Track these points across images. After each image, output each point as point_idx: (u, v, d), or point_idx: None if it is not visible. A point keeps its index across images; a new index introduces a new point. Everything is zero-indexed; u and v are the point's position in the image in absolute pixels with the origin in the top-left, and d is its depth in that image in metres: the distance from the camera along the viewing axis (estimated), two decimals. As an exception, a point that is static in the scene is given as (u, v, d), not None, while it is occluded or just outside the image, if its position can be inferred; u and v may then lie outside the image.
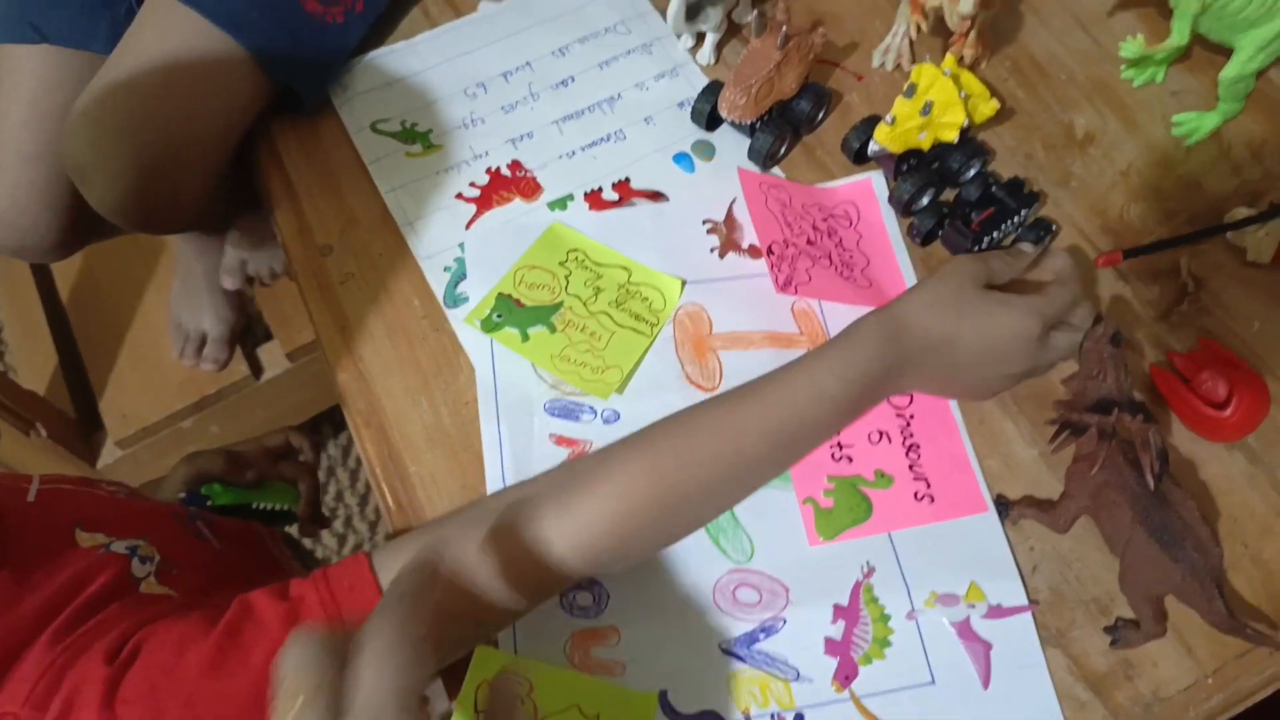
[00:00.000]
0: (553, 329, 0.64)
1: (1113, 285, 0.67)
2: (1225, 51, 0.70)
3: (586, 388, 0.62)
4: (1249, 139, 0.73)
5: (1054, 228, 0.67)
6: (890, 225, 0.69)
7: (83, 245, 0.98)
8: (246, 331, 1.30)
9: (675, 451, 0.51)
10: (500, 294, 0.66)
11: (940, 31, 0.73)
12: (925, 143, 0.67)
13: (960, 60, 0.71)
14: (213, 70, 0.72)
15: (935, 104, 0.64)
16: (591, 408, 0.62)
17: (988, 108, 0.67)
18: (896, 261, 0.68)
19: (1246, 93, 0.69)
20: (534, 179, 0.72)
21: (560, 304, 0.65)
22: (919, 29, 0.70)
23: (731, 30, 0.78)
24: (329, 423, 1.53)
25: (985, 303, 0.54)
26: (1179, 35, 0.67)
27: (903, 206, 0.68)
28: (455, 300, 0.67)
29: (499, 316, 0.65)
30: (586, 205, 0.71)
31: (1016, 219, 0.67)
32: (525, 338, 0.64)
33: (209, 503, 0.72)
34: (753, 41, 0.68)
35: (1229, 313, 0.66)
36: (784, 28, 0.66)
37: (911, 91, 0.65)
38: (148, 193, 0.74)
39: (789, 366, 0.54)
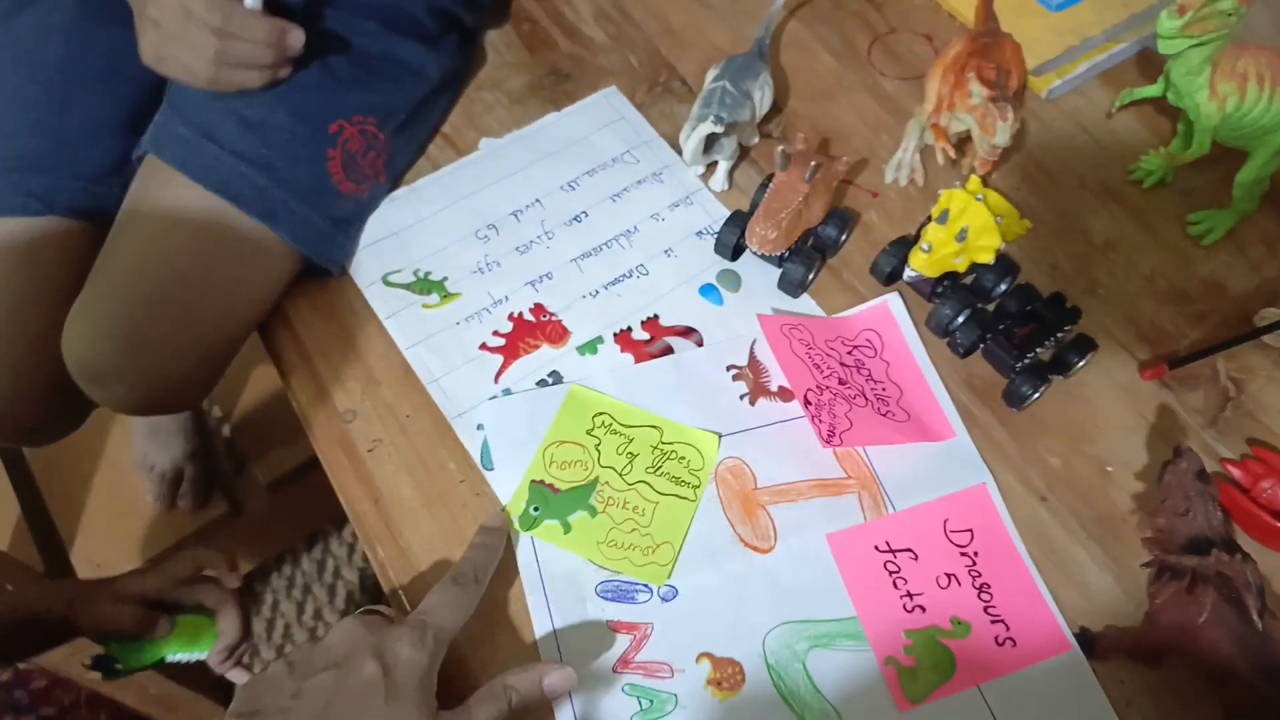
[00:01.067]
0: (593, 512, 0.61)
1: (1158, 394, 0.67)
2: (1231, 149, 0.71)
3: (640, 575, 0.59)
4: (1263, 235, 0.74)
5: (1095, 344, 0.66)
6: (915, 348, 0.68)
7: (73, 429, 0.89)
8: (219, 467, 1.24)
9: None
10: (532, 481, 0.62)
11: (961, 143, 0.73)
12: (962, 266, 0.66)
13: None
14: (248, 264, 0.68)
15: (970, 229, 0.64)
16: (647, 586, 0.59)
17: (1020, 227, 0.67)
18: (929, 386, 0.67)
19: (1261, 193, 0.70)
20: (560, 322, 0.70)
21: (595, 480, 0.62)
22: (946, 155, 0.70)
23: (740, 154, 0.77)
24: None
25: None
26: (1200, 146, 0.68)
27: (943, 329, 0.67)
28: (492, 462, 0.64)
29: (536, 510, 0.61)
30: (618, 347, 0.69)
31: (1059, 335, 0.66)
32: (567, 528, 0.61)
33: (118, 666, 0.67)
34: (779, 175, 0.67)
35: (1271, 415, 0.66)
36: (813, 162, 0.65)
37: (945, 218, 0.64)
38: (170, 396, 0.69)
39: None
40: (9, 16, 0.75)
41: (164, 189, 0.67)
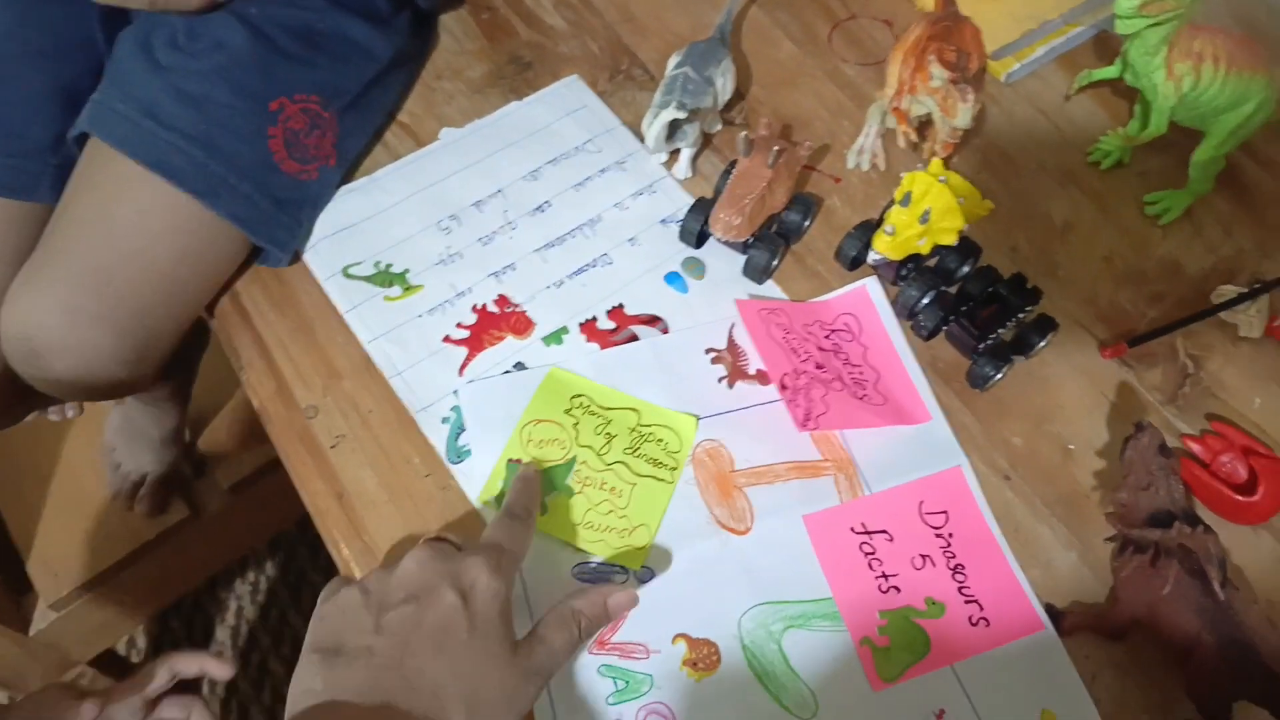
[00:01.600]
0: (570, 492, 0.61)
1: (1118, 373, 0.68)
2: (1187, 130, 0.72)
3: (617, 558, 0.59)
4: (1219, 216, 0.75)
5: (1056, 324, 0.67)
6: (893, 331, 0.68)
7: (19, 419, 0.89)
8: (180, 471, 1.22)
9: None
10: (509, 460, 0.62)
11: (922, 126, 0.74)
12: (925, 248, 0.66)
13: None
14: (191, 242, 0.67)
15: (933, 211, 0.64)
16: (623, 568, 0.59)
17: (981, 208, 0.67)
18: (905, 370, 0.67)
19: (1217, 172, 0.71)
20: (524, 314, 0.69)
21: (573, 459, 0.62)
22: (908, 138, 0.70)
23: (703, 141, 0.77)
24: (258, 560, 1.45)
25: None
26: (1158, 126, 0.68)
27: (908, 311, 0.67)
28: (459, 454, 0.63)
29: None
30: (583, 337, 0.68)
31: (1020, 315, 0.67)
32: (544, 509, 0.60)
33: None
34: (742, 161, 0.67)
35: (1229, 391, 0.67)
36: (776, 147, 0.65)
37: (907, 201, 0.65)
38: (115, 377, 0.68)
39: None
40: None
41: (106, 167, 0.66)
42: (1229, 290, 0.69)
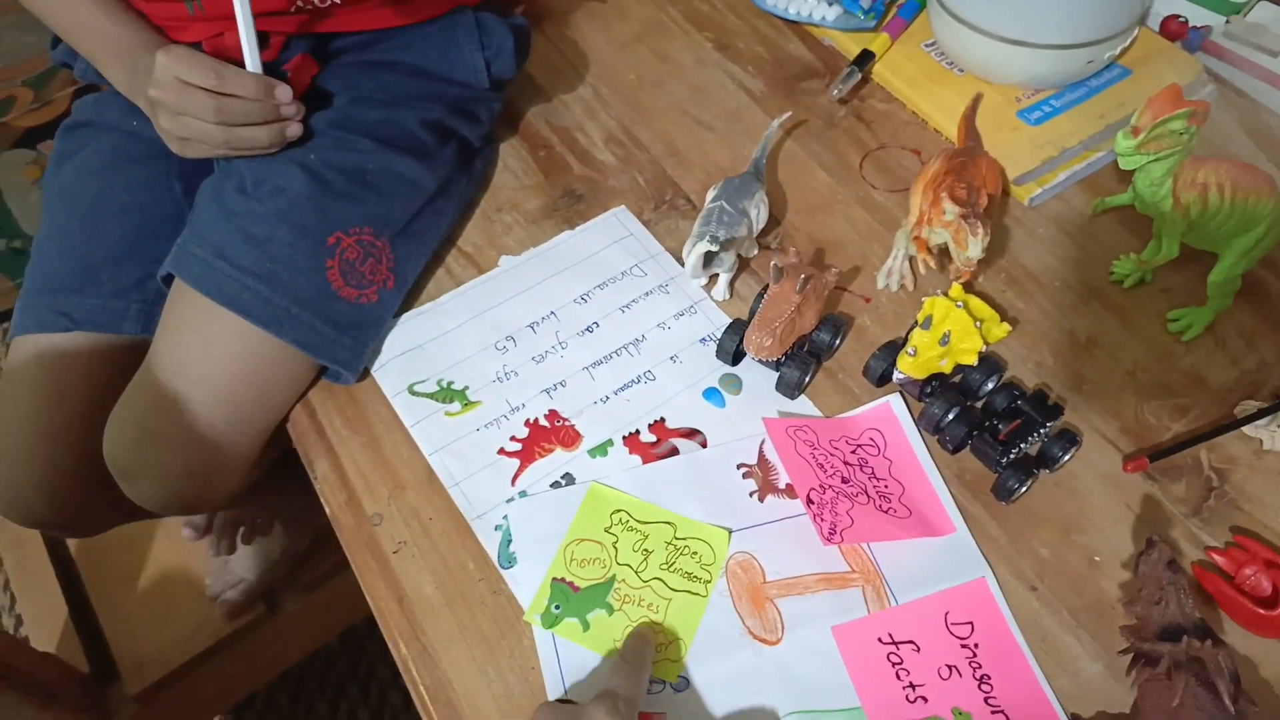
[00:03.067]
0: (610, 610, 0.65)
1: (1142, 487, 0.70)
2: (1202, 250, 0.75)
3: (655, 672, 0.62)
4: (1241, 329, 0.77)
5: (1078, 438, 0.70)
6: (917, 446, 0.72)
7: (115, 524, 0.98)
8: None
9: None
10: (554, 579, 0.67)
11: (942, 253, 0.78)
12: (947, 367, 0.70)
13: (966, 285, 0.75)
14: (260, 367, 0.74)
15: (953, 334, 0.68)
16: (660, 679, 0.62)
17: (1000, 330, 0.71)
18: (930, 482, 0.70)
19: (1234, 290, 0.74)
20: (572, 427, 0.75)
21: (613, 578, 0.67)
22: (927, 266, 0.75)
23: (740, 265, 0.83)
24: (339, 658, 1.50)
25: None
26: (1170, 250, 0.72)
27: (933, 426, 0.71)
28: (509, 560, 0.68)
29: (557, 608, 0.65)
30: (626, 449, 0.73)
31: (1043, 430, 0.70)
32: (586, 626, 0.65)
33: None
34: (772, 286, 0.73)
35: (1254, 504, 0.69)
36: (803, 274, 0.70)
37: (928, 324, 0.69)
38: (191, 491, 0.75)
39: None
40: (59, 164, 0.88)
41: (186, 303, 0.75)
42: (1251, 405, 0.71)
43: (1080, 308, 0.79)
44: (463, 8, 0.87)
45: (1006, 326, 0.72)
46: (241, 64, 0.73)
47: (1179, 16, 0.98)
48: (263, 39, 0.76)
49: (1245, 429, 0.70)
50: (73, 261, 0.83)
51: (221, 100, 0.72)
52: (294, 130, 0.76)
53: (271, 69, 0.77)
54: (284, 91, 0.74)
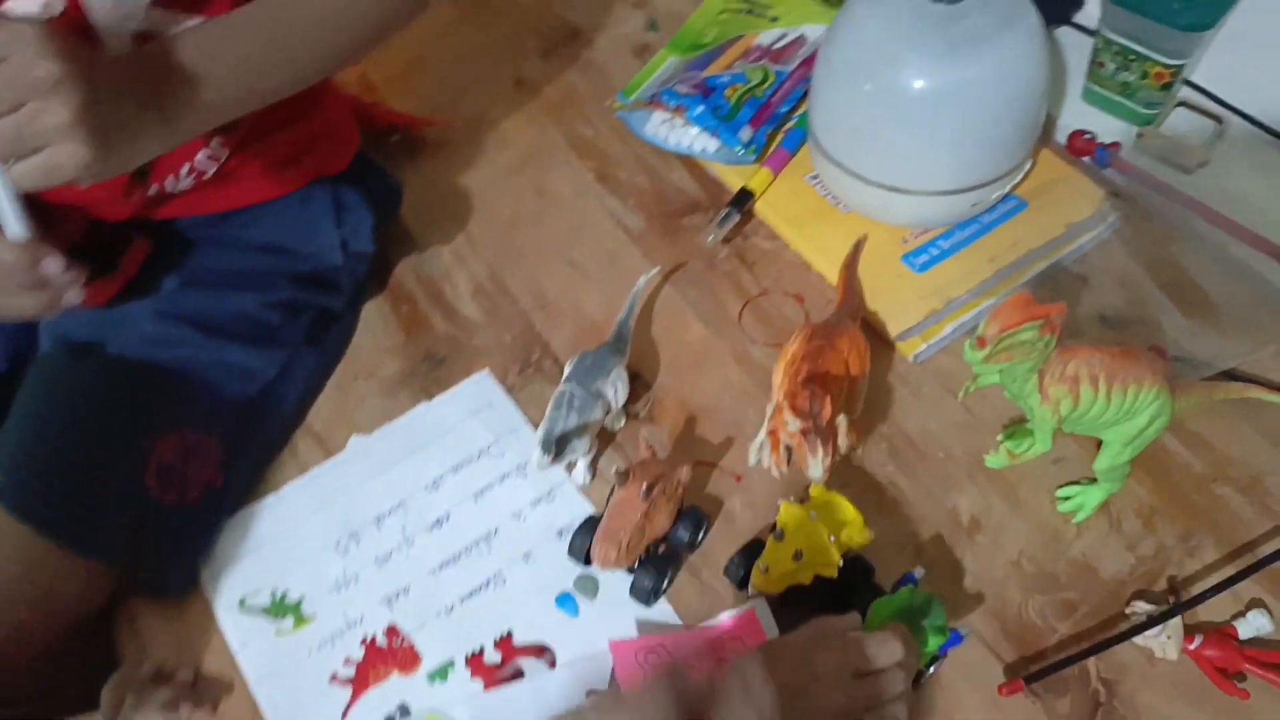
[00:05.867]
0: None
1: (1021, 706, 0.64)
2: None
3: None
4: (1138, 506, 0.71)
5: (962, 636, 0.64)
6: (785, 655, 0.66)
7: None
8: None
9: None
10: None
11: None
12: (806, 579, 0.64)
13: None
14: (52, 583, 0.66)
15: (805, 551, 0.62)
16: None
17: (862, 537, 0.66)
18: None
19: (1124, 474, 0.68)
20: (411, 647, 0.69)
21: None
22: (778, 469, 0.69)
23: (606, 439, 0.77)
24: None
25: None
26: (1043, 444, 0.66)
27: (791, 643, 0.65)
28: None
29: None
30: (469, 672, 0.68)
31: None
32: None
33: None
34: (618, 490, 0.67)
35: (1148, 719, 0.63)
36: (646, 482, 0.65)
37: (781, 535, 0.63)
38: None
39: None
40: None
41: None
42: (1142, 609, 0.65)
43: (964, 483, 0.73)
44: (320, 181, 0.81)
45: (869, 533, 0.66)
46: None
47: (1085, 132, 0.92)
48: (100, 226, 0.71)
49: (1135, 639, 0.64)
50: None
51: None
52: (70, 298, 0.66)
53: (96, 248, 0.71)
54: (52, 264, 0.64)
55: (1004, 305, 0.58)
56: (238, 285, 0.78)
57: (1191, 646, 0.64)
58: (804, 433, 0.61)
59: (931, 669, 0.64)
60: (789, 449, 0.67)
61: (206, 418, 0.74)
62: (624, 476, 0.67)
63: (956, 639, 0.64)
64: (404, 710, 0.66)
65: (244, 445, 0.76)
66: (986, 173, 0.77)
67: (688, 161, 0.95)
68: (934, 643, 0.61)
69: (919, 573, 0.65)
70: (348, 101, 0.90)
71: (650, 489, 0.66)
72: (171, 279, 0.77)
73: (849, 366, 0.69)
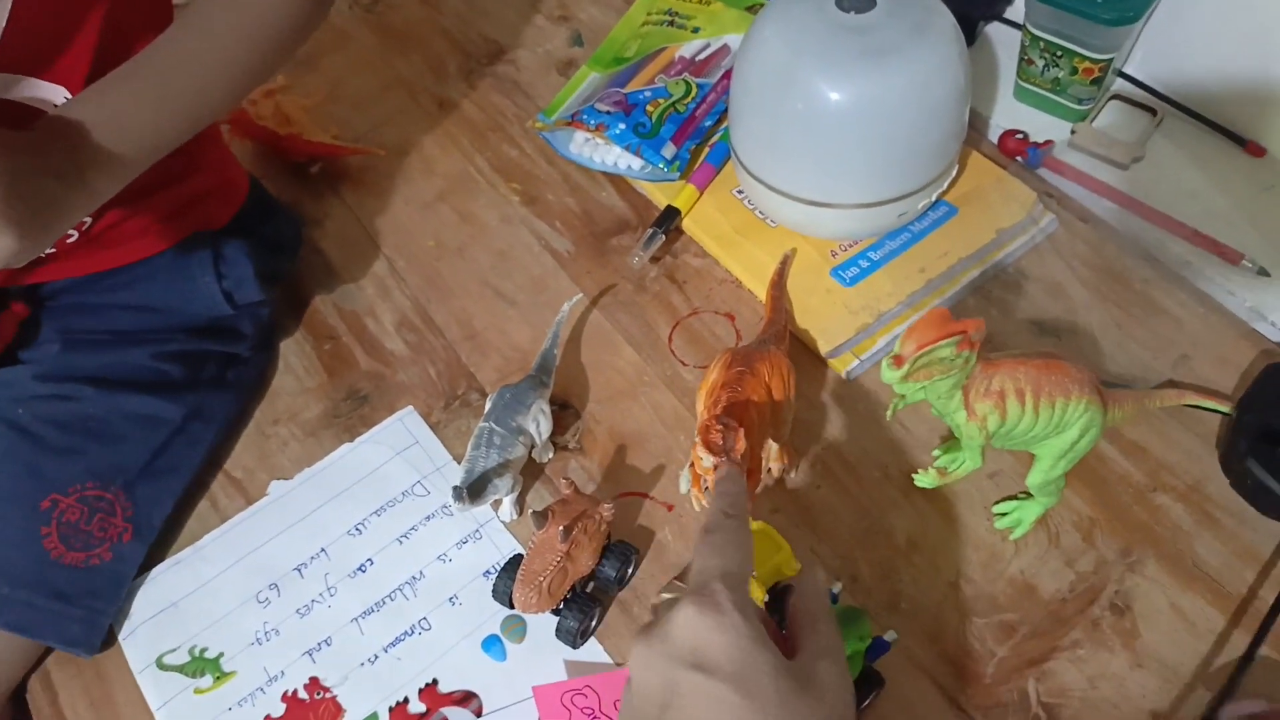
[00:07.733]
0: None
1: (960, 735, 0.62)
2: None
3: None
4: (1076, 519, 0.69)
5: (882, 680, 0.62)
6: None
7: None
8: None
9: None
10: None
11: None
12: (732, 615, 0.62)
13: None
14: None
15: (730, 585, 0.60)
16: None
17: (789, 569, 0.64)
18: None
19: (1060, 488, 0.66)
20: (334, 700, 0.67)
21: None
22: (702, 505, 0.67)
23: (534, 471, 0.75)
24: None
25: None
26: (973, 461, 0.64)
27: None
28: None
29: None
30: (392, 725, 0.65)
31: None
32: None
33: None
34: (536, 533, 0.65)
35: (1090, 743, 0.61)
36: (563, 525, 0.62)
37: (705, 571, 0.61)
38: None
39: None
40: None
41: None
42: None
43: (900, 503, 0.71)
44: (200, 234, 0.79)
45: (796, 565, 0.64)
46: None
47: (1017, 132, 0.90)
48: None
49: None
50: None
51: None
52: None
53: None
54: None
55: (919, 323, 0.56)
56: (126, 342, 0.75)
57: (1131, 665, 0.62)
58: (716, 468, 0.59)
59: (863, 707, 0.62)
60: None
61: (111, 471, 0.71)
62: (541, 517, 0.64)
63: (884, 646, 0.63)
64: (325, 770, 0.64)
65: (156, 497, 0.73)
66: (909, 183, 0.75)
67: (616, 179, 0.93)
68: (854, 648, 0.59)
69: (837, 588, 0.64)
70: (230, 156, 0.87)
71: (569, 530, 0.63)
72: (52, 343, 0.74)
73: (771, 392, 0.66)
